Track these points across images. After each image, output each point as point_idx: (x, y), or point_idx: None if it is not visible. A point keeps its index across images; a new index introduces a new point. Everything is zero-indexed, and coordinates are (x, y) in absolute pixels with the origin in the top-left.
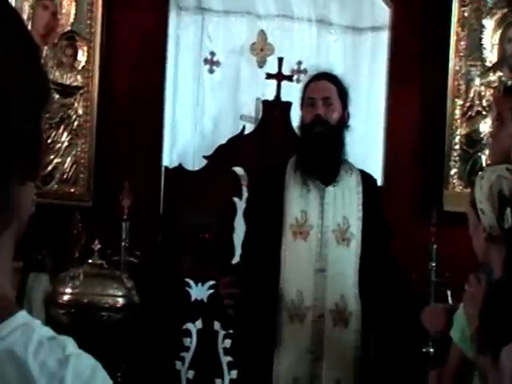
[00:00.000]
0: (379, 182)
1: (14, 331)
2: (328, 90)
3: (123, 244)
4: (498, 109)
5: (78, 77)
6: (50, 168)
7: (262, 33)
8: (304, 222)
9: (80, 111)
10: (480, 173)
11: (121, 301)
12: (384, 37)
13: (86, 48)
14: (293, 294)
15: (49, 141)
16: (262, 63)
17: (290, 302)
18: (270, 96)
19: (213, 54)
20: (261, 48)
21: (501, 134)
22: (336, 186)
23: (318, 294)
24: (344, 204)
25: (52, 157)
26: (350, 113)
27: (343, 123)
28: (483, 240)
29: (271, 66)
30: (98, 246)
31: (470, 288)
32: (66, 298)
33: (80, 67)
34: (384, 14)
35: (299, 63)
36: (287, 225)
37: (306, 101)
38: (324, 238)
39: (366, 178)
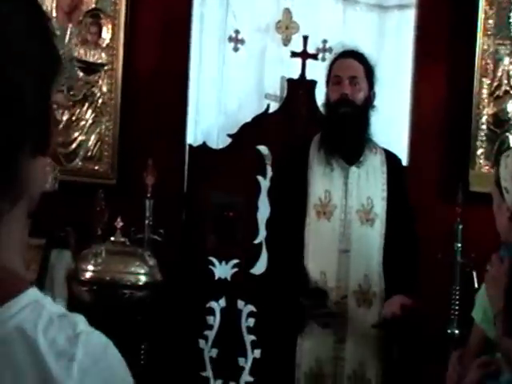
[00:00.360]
0: (404, 162)
1: (25, 308)
2: (355, 68)
3: (147, 222)
4: None
5: (103, 54)
6: (74, 146)
7: (287, 11)
8: (328, 202)
9: (104, 89)
10: (506, 152)
11: (143, 278)
12: (410, 15)
13: (110, 26)
14: (316, 275)
15: (73, 118)
16: (287, 41)
17: (314, 282)
18: (295, 75)
19: (237, 32)
20: (286, 26)
21: None
22: (360, 166)
23: (342, 274)
24: (368, 184)
25: (76, 134)
26: (375, 92)
27: (369, 103)
28: (507, 219)
29: (296, 45)
30: (121, 224)
31: (491, 268)
32: (88, 275)
33: (104, 45)
34: None
35: (324, 41)
36: (311, 204)
37: (333, 78)
38: (348, 218)
39: (391, 158)
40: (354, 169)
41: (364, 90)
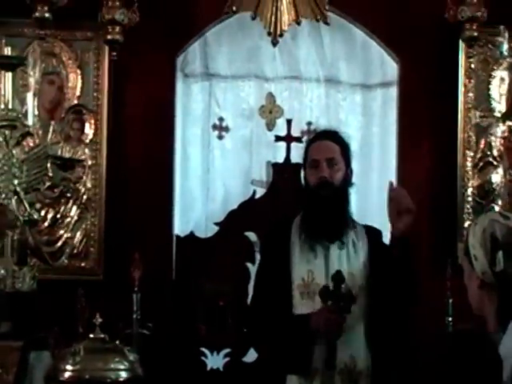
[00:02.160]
0: None
1: None
2: (331, 150)
3: (135, 316)
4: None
5: (86, 150)
6: (59, 243)
7: (271, 95)
8: (311, 281)
9: (89, 184)
10: (475, 220)
11: (124, 374)
12: (394, 93)
13: (93, 121)
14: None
15: (57, 216)
16: (271, 126)
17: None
18: (281, 158)
19: (221, 119)
20: (269, 110)
21: None
22: (341, 244)
23: (328, 355)
24: (349, 261)
25: (61, 232)
26: (352, 170)
27: (347, 181)
28: (477, 288)
29: (281, 129)
30: (100, 320)
31: None
32: (66, 374)
33: (88, 140)
34: (393, 69)
35: (309, 124)
36: (295, 285)
37: (310, 162)
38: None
39: (371, 232)
40: (334, 247)
41: (342, 169)
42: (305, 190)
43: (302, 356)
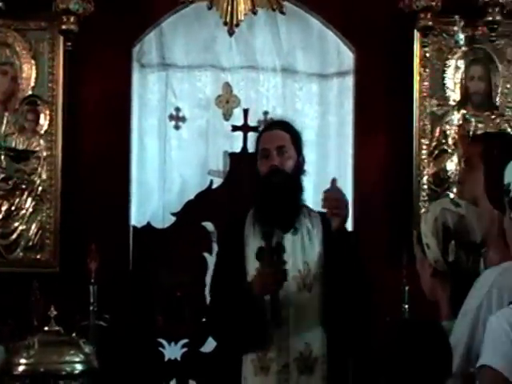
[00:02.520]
0: (350, 227)
1: None
2: (281, 138)
3: (91, 308)
4: (466, 155)
5: (41, 141)
6: (14, 236)
7: (227, 85)
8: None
9: (44, 176)
10: (426, 208)
11: (79, 367)
12: (350, 82)
13: (48, 112)
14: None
15: (12, 208)
16: (228, 116)
17: (255, 354)
18: (238, 148)
19: (178, 109)
20: (226, 100)
21: (469, 179)
22: (295, 233)
23: (282, 343)
24: (304, 249)
25: (16, 224)
26: (304, 158)
27: (299, 169)
28: (429, 276)
29: (238, 118)
30: (54, 313)
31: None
32: (20, 368)
33: (43, 131)
34: (348, 59)
35: (266, 113)
36: (249, 277)
37: (261, 152)
38: (285, 285)
39: (326, 220)
40: (288, 236)
41: (293, 157)
42: (256, 180)
43: (257, 328)
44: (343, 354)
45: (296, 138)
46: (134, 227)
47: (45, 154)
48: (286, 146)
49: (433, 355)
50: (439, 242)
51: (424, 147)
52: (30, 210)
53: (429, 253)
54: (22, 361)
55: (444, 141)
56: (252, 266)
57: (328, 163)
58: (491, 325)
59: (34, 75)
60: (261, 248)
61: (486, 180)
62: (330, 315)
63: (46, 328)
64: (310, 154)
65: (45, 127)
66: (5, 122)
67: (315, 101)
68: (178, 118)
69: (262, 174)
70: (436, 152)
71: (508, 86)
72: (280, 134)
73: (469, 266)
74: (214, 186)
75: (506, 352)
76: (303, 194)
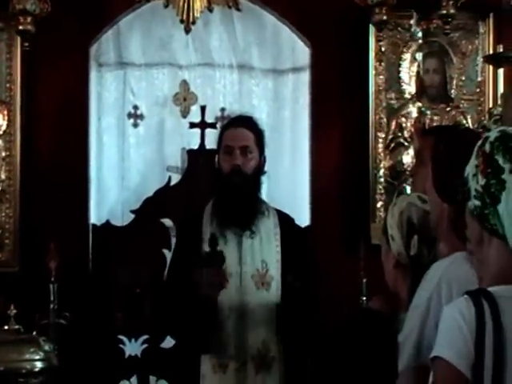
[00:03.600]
0: (307, 221)
1: None
2: (246, 138)
3: (51, 306)
4: (418, 149)
5: (0, 141)
6: None
7: (184, 83)
8: (224, 271)
9: (3, 176)
10: (393, 201)
11: (39, 365)
12: (305, 77)
13: (6, 112)
14: (215, 341)
15: None
16: (185, 113)
17: (213, 352)
18: (195, 145)
19: (136, 107)
20: (184, 98)
21: (420, 172)
22: (253, 231)
23: (240, 341)
24: (262, 248)
25: None
26: (265, 157)
27: (260, 169)
28: (392, 267)
29: (195, 115)
30: (14, 312)
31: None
32: None
33: (1, 132)
34: (304, 54)
35: (222, 110)
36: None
37: (224, 148)
38: (243, 284)
39: (284, 219)
40: (246, 235)
41: (255, 158)
42: (217, 176)
43: (208, 328)
44: (300, 353)
45: (260, 137)
46: (94, 225)
47: (3, 154)
48: (250, 146)
49: (382, 350)
50: (403, 235)
51: (380, 140)
52: None
53: (393, 244)
54: None
55: (400, 134)
56: None
57: (282, 159)
58: (444, 315)
59: None
60: (205, 252)
61: (432, 173)
62: (286, 315)
63: (6, 327)
64: (265, 149)
65: (3, 127)
66: None
67: (271, 97)
68: (136, 116)
69: (224, 172)
70: (392, 145)
71: (463, 78)
72: (245, 134)
73: (430, 260)
74: (173, 182)
75: (458, 343)
76: (261, 193)
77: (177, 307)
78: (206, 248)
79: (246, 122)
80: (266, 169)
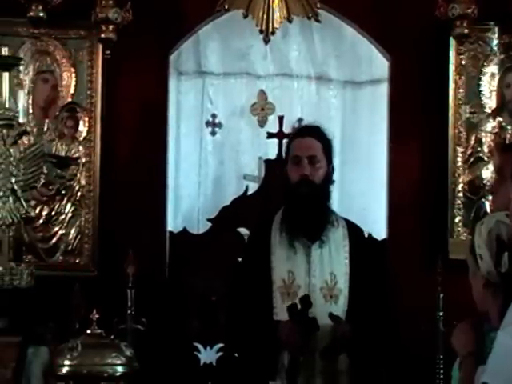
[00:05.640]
0: (383, 235)
1: None
2: (313, 147)
3: (129, 312)
4: (498, 165)
5: (80, 147)
6: (54, 240)
7: (262, 92)
8: (291, 283)
9: (83, 182)
10: (481, 219)
11: (120, 369)
12: (383, 89)
13: (87, 119)
14: (285, 359)
15: (52, 213)
16: (263, 123)
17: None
18: (273, 155)
19: (214, 116)
20: (261, 108)
21: (501, 190)
22: (322, 243)
23: (307, 355)
24: (331, 260)
25: (56, 229)
26: (334, 167)
27: (328, 179)
28: (481, 287)
29: (272, 125)
30: (96, 316)
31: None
32: (64, 369)
33: (81, 138)
34: (382, 66)
35: (300, 120)
36: (275, 287)
37: (292, 159)
38: (312, 296)
39: (353, 230)
40: (316, 246)
41: (323, 167)
42: (286, 186)
43: (269, 361)
44: (368, 367)
45: (328, 147)
46: (171, 232)
47: (84, 160)
48: (317, 156)
49: None
50: (492, 253)
51: (459, 155)
52: (70, 214)
53: (482, 264)
54: (66, 362)
55: (479, 148)
56: (277, 275)
57: (361, 170)
58: (497, 340)
59: (73, 83)
60: (294, 306)
61: None
62: (354, 330)
63: (89, 331)
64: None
65: (84, 134)
66: (45, 128)
67: (348, 108)
68: (214, 124)
69: (292, 182)
70: (471, 160)
71: None
72: (312, 143)
73: None
74: (250, 191)
75: (508, 370)
76: (331, 205)
77: (244, 330)
78: (275, 262)
79: (314, 132)
80: (334, 178)
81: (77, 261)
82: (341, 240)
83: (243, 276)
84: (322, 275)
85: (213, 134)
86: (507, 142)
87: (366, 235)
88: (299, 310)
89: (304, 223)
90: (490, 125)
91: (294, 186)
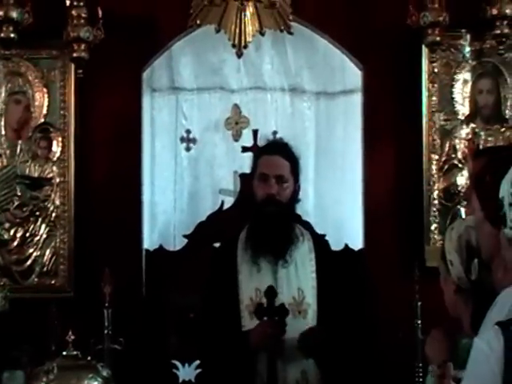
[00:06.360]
0: (360, 244)
1: None
2: (281, 166)
3: (106, 332)
4: (470, 171)
5: (54, 168)
6: (29, 262)
7: (236, 106)
8: (259, 300)
9: (57, 202)
10: (451, 225)
11: None
12: (356, 99)
13: (60, 139)
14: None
15: (27, 235)
16: (237, 137)
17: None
18: (248, 169)
19: (188, 131)
20: (235, 122)
21: (473, 196)
22: (288, 259)
23: (279, 372)
24: (298, 275)
25: (31, 250)
26: (300, 185)
27: (295, 197)
28: (453, 293)
29: (247, 139)
30: (72, 337)
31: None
32: None
33: (55, 158)
34: (355, 76)
35: (274, 133)
36: (243, 306)
37: (259, 176)
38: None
39: (318, 243)
40: (282, 263)
41: (290, 186)
42: (251, 203)
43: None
44: (339, 381)
45: (295, 166)
46: (147, 250)
47: (58, 180)
48: (285, 175)
49: None
50: (462, 259)
51: (434, 162)
52: (44, 236)
53: (452, 270)
54: None
55: (454, 155)
56: (245, 294)
57: (336, 180)
58: (473, 346)
59: (46, 103)
60: (260, 305)
61: (479, 201)
62: (325, 343)
63: (64, 353)
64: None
65: (57, 154)
66: (18, 150)
67: (322, 119)
68: (188, 140)
69: (258, 199)
70: (446, 167)
71: None
72: (280, 162)
73: (491, 284)
74: (225, 206)
75: (484, 375)
76: (296, 220)
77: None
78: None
79: (282, 150)
80: (306, 192)
81: (52, 282)
82: (307, 254)
83: (211, 295)
84: (289, 291)
85: (187, 149)
86: (481, 147)
87: (343, 245)
88: (266, 303)
89: (270, 241)
90: (464, 131)
91: (260, 204)
